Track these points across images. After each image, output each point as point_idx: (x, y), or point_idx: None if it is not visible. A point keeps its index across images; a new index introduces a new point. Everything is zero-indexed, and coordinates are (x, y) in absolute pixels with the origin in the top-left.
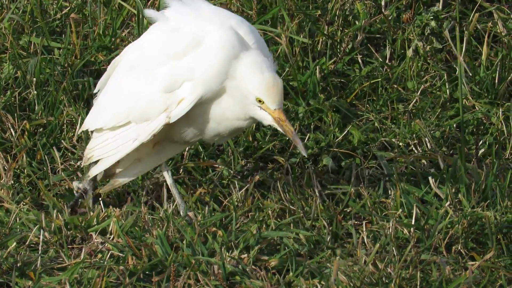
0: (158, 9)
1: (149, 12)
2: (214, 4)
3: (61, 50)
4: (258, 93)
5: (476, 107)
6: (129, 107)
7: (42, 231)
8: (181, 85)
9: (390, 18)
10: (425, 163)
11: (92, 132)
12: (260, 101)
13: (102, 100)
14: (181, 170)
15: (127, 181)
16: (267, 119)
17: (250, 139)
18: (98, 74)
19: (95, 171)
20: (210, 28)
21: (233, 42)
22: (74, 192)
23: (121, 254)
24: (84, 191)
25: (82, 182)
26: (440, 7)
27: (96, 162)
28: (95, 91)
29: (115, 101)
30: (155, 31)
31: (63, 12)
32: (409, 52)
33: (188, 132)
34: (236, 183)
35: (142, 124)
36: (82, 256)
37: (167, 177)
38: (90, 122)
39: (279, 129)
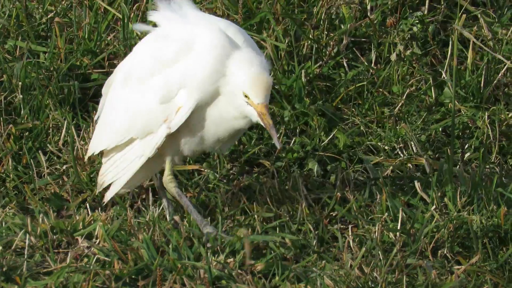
0: (144, 14)
1: (138, 27)
2: (200, 9)
3: (46, 54)
4: (243, 87)
5: (462, 111)
6: (129, 122)
7: (28, 235)
8: (177, 93)
9: (375, 22)
10: (411, 167)
11: (101, 157)
12: (246, 96)
13: (102, 120)
14: None
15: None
16: (254, 115)
17: (236, 143)
18: (83, 78)
19: (109, 195)
20: (199, 32)
21: (223, 42)
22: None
23: (107, 259)
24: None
25: None
26: (426, 11)
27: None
28: (95, 117)
29: (114, 118)
30: (145, 41)
31: (49, 16)
32: (393, 57)
33: (189, 141)
34: (222, 186)
35: (146, 139)
36: (68, 261)
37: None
38: (94, 145)
39: (261, 123)
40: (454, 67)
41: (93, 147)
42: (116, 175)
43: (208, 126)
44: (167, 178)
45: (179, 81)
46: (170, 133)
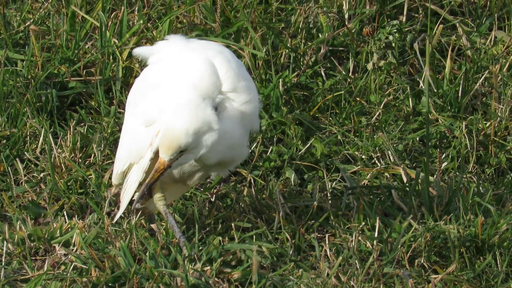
0: (121, 23)
1: (138, 51)
2: (177, 18)
3: (24, 62)
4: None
5: (439, 121)
6: (128, 148)
7: (5, 242)
8: (158, 117)
9: (353, 31)
10: (388, 176)
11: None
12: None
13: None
14: None
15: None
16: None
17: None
18: (61, 86)
19: (118, 214)
20: (186, 59)
21: (204, 75)
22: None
23: (84, 266)
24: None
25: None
26: (404, 20)
27: None
28: None
29: (120, 144)
30: (146, 68)
31: (27, 24)
32: (369, 66)
33: (184, 165)
34: (199, 195)
35: (139, 163)
36: (45, 268)
37: (166, 215)
38: (113, 175)
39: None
40: (425, 78)
41: (114, 173)
42: (122, 196)
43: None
44: (156, 196)
45: (159, 106)
46: (153, 156)
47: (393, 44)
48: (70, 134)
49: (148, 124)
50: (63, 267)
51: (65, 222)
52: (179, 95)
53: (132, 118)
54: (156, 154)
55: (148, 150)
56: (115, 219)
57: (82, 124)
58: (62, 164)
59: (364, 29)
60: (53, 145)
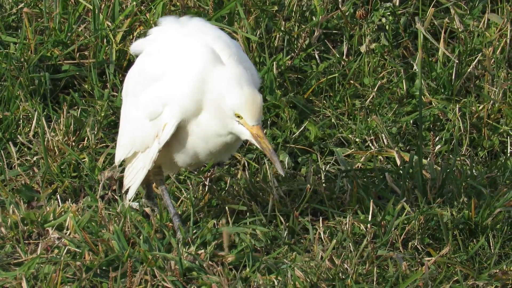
0: (114, 6)
1: (135, 48)
2: (171, 0)
3: (17, 45)
4: (236, 108)
5: (433, 103)
6: (131, 137)
7: None
8: (162, 110)
9: (347, 14)
10: (382, 159)
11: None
12: (238, 116)
13: (119, 130)
14: None
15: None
16: (245, 134)
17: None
18: (54, 69)
19: (128, 197)
20: (183, 48)
21: (206, 60)
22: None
23: (77, 250)
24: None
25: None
26: (397, 2)
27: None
28: None
29: (121, 133)
30: (141, 54)
31: (19, 7)
32: (362, 48)
33: (182, 156)
34: (193, 178)
35: (145, 152)
36: (38, 252)
37: (163, 193)
38: (116, 154)
39: (256, 145)
40: (418, 60)
41: (116, 157)
42: (129, 181)
43: (196, 142)
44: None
45: (162, 98)
46: (161, 148)
47: (387, 27)
48: (63, 117)
49: (152, 118)
50: (56, 250)
51: (59, 206)
52: (184, 86)
53: (133, 109)
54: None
55: (155, 142)
56: (128, 199)
57: (76, 107)
58: (55, 148)
59: (357, 12)
60: (46, 128)
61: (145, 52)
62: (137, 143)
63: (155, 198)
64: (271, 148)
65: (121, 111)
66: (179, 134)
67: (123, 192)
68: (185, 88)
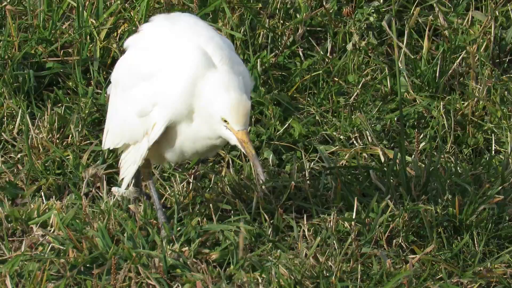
0: (98, 4)
1: (128, 42)
2: None
3: (0, 42)
4: (222, 113)
5: (417, 101)
6: (120, 130)
7: None
8: (151, 109)
9: (331, 11)
10: (366, 156)
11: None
12: (225, 121)
13: (107, 118)
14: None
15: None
16: (232, 139)
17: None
18: (38, 66)
19: (122, 187)
20: (175, 49)
21: (197, 63)
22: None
23: (62, 247)
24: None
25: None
26: (381, 0)
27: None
28: None
29: (110, 121)
30: (133, 48)
31: (3, 4)
32: (349, 46)
33: (170, 153)
34: (177, 176)
35: (135, 146)
36: (22, 249)
37: (151, 186)
38: (103, 141)
39: (242, 149)
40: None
41: (105, 143)
42: (123, 173)
43: (184, 142)
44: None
45: (152, 98)
46: (150, 146)
47: (373, 25)
48: (47, 114)
49: (141, 115)
50: (40, 248)
51: (43, 203)
52: (174, 88)
53: (122, 102)
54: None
55: (144, 139)
56: (122, 190)
57: (60, 104)
58: (40, 145)
59: (344, 9)
60: (30, 125)
61: (137, 47)
62: (126, 136)
63: (142, 187)
64: (254, 154)
65: (109, 97)
66: (168, 134)
67: (119, 180)
68: (176, 90)
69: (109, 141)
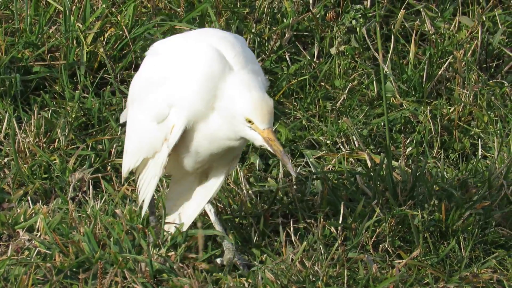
0: (85, 8)
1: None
2: (142, 2)
3: None
4: (246, 113)
5: (404, 105)
6: (139, 143)
7: None
8: (169, 112)
9: (318, 16)
10: (353, 161)
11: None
12: (249, 121)
13: (125, 143)
14: (108, 167)
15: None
16: (258, 139)
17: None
18: (25, 70)
19: (143, 210)
20: (190, 49)
21: (210, 60)
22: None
23: (48, 251)
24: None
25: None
26: (368, 5)
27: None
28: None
29: (128, 142)
30: (145, 59)
31: None
32: (333, 50)
33: (187, 157)
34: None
35: (155, 158)
36: (9, 253)
37: (209, 212)
38: (123, 164)
39: (269, 148)
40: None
41: (124, 167)
42: (143, 194)
43: (201, 142)
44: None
45: (168, 100)
46: (170, 152)
47: (357, 29)
48: (34, 118)
49: (159, 120)
50: (26, 252)
51: (29, 207)
52: (190, 85)
53: (140, 114)
54: (172, 149)
55: (164, 145)
56: (142, 215)
57: (46, 108)
58: (26, 149)
59: (327, 14)
60: (17, 129)
61: (148, 57)
62: (145, 148)
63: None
64: (282, 150)
65: (127, 121)
66: (185, 136)
67: (138, 207)
68: (192, 88)
69: (127, 161)
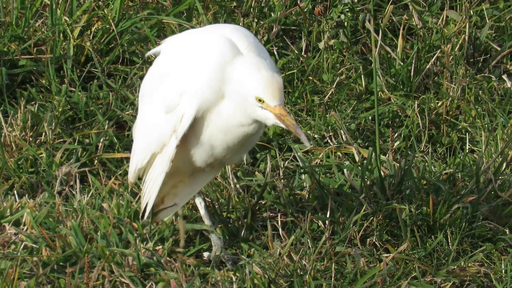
0: (72, 1)
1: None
2: None
3: None
4: (257, 91)
5: (392, 100)
6: (147, 136)
7: None
8: (179, 101)
9: (305, 10)
10: (341, 155)
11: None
12: (260, 100)
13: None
14: (95, 161)
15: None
16: (270, 118)
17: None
18: (11, 64)
19: (145, 216)
20: (200, 38)
21: (222, 48)
22: None
23: (35, 245)
24: None
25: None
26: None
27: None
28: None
29: (136, 142)
30: (157, 57)
31: None
32: (321, 45)
33: (199, 151)
34: None
35: (162, 152)
36: None
37: (199, 205)
38: (130, 166)
39: (281, 125)
40: (373, 55)
41: (131, 167)
42: (145, 196)
43: (215, 134)
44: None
45: (179, 88)
46: (178, 143)
47: (345, 23)
48: (20, 112)
49: (169, 110)
50: (13, 246)
51: (16, 201)
52: (202, 73)
53: (149, 107)
54: (181, 141)
55: (172, 137)
56: (144, 218)
57: (33, 102)
58: (13, 143)
59: (315, 8)
60: (3, 123)
61: (160, 54)
62: (153, 142)
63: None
64: (295, 123)
65: (135, 124)
66: (196, 127)
67: (139, 216)
68: (203, 75)
69: (134, 162)
